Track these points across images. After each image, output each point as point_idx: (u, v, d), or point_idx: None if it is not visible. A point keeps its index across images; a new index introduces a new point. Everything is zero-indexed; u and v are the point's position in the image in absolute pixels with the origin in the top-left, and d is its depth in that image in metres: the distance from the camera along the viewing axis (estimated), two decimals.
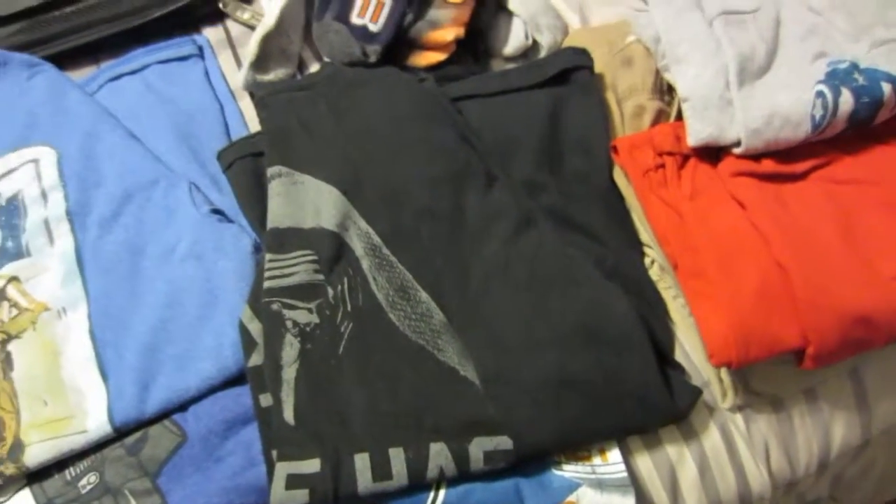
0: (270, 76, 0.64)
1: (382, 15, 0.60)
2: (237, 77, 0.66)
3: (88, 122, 0.62)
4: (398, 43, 0.62)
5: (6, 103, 0.66)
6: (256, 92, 0.63)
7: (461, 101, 0.60)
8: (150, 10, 0.71)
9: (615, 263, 0.54)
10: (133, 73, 0.68)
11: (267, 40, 0.63)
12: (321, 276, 0.52)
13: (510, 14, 0.64)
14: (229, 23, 0.72)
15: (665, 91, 0.61)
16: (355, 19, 0.60)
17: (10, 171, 0.61)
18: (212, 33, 0.72)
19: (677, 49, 0.58)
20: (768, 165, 0.55)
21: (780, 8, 0.60)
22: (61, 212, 0.58)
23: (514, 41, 0.64)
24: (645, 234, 0.57)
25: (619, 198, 0.58)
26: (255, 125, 0.64)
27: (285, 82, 0.64)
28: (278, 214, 0.54)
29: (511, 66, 0.65)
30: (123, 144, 0.60)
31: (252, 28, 0.70)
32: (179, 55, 0.69)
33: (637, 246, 0.57)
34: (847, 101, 0.54)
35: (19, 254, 0.57)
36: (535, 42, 0.64)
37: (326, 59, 0.64)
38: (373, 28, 0.60)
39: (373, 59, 0.61)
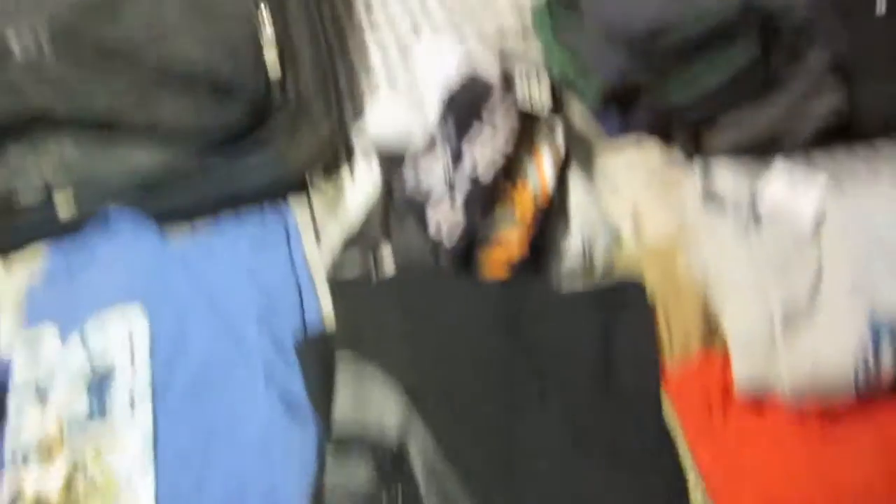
0: (347, 267, 0.70)
1: (455, 235, 0.65)
2: (315, 256, 0.72)
3: (183, 294, 0.67)
4: (469, 249, 0.67)
5: (112, 260, 0.71)
6: (333, 282, 0.69)
7: (519, 315, 0.64)
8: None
9: (662, 492, 0.56)
10: (223, 242, 0.74)
11: (349, 242, 0.69)
12: (379, 483, 0.55)
13: (569, 232, 0.70)
14: (314, 199, 0.78)
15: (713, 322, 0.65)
16: (430, 232, 0.66)
17: (105, 330, 0.66)
18: (298, 209, 0.77)
19: (724, 285, 0.62)
20: (816, 415, 0.57)
21: (823, 256, 0.64)
22: (144, 384, 0.62)
23: (572, 259, 0.69)
24: (689, 463, 0.58)
25: (666, 425, 0.60)
26: (330, 309, 0.69)
27: (362, 276, 0.70)
28: (344, 410, 0.58)
29: (567, 283, 0.69)
30: (212, 324, 0.65)
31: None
32: (268, 232, 0.75)
33: (681, 475, 0.59)
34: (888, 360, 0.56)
35: (102, 422, 0.61)
36: (591, 260, 0.69)
37: (401, 257, 0.70)
38: (446, 244, 0.66)
39: (445, 264, 0.66)
